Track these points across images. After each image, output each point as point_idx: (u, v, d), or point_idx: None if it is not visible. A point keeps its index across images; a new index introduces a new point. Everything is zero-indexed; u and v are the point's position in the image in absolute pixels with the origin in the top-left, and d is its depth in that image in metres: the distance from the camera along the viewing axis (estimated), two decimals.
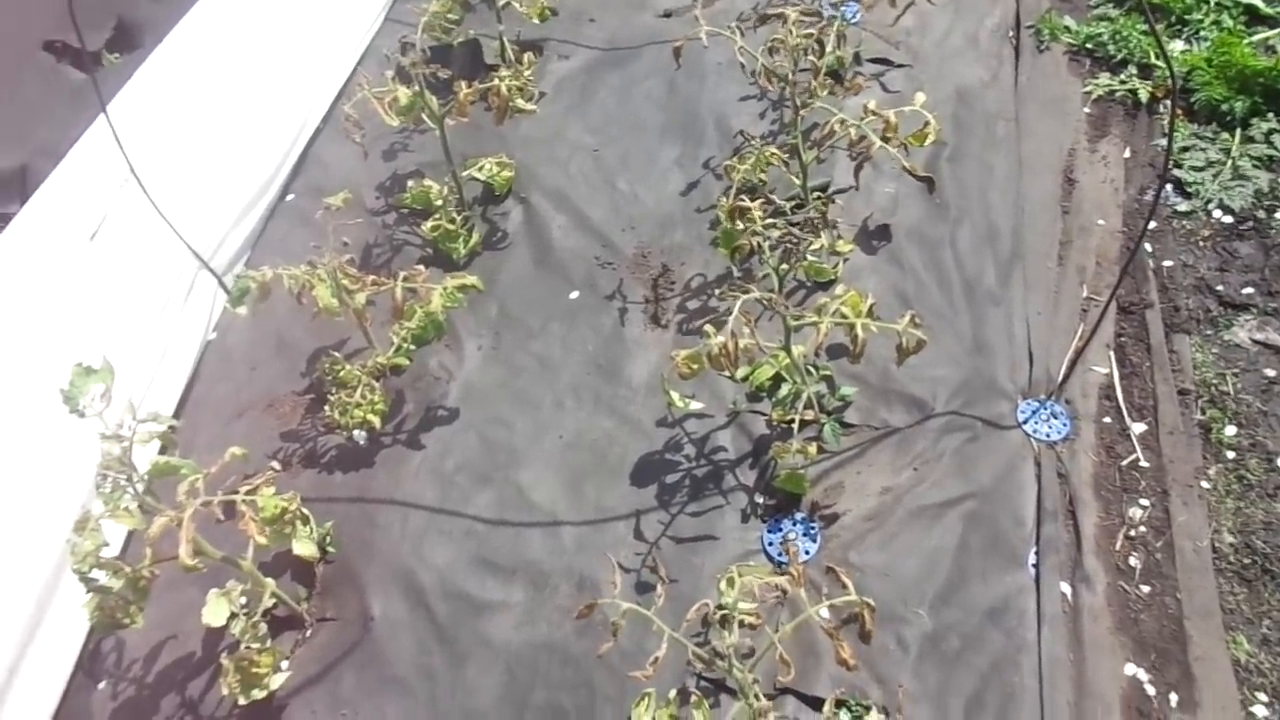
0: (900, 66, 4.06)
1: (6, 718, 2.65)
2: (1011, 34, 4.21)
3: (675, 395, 2.78)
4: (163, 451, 2.61)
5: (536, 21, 4.16)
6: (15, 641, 2.66)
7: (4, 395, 2.91)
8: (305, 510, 2.76)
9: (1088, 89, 3.97)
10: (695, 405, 2.89)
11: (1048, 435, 3.01)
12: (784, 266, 2.72)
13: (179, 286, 3.59)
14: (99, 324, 3.22)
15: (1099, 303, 3.32)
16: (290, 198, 4.16)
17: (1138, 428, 3.04)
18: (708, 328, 2.54)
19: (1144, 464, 2.96)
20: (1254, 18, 3.97)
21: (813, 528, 2.87)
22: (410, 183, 3.88)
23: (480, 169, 3.83)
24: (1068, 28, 4.15)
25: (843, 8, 4.16)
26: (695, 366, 2.59)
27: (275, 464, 2.73)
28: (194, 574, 2.40)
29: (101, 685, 2.88)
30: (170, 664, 2.90)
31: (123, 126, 3.36)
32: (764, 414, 3.09)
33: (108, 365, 2.43)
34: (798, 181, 3.39)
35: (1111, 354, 3.21)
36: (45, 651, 2.76)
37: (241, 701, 2.61)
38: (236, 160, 3.86)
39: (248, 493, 2.39)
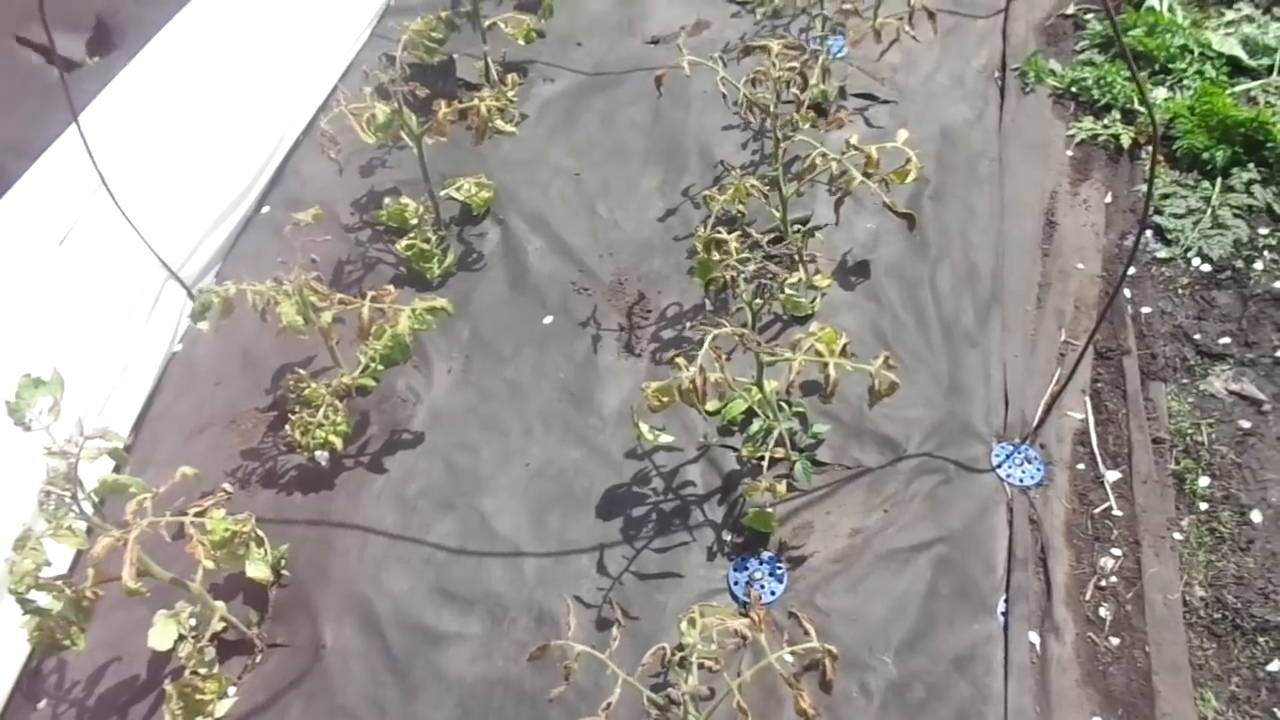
0: (885, 102, 4.04)
1: None
2: (997, 74, 4.20)
3: (645, 428, 2.72)
4: (117, 470, 2.53)
5: (522, 43, 4.12)
6: None
7: None
8: (260, 532, 2.69)
9: (1071, 132, 3.97)
10: (665, 438, 2.84)
11: (1021, 480, 2.97)
12: (758, 302, 2.68)
13: (146, 296, 3.52)
14: (61, 331, 3.14)
15: (1076, 347, 3.29)
16: (266, 209, 4.10)
17: (1111, 475, 3.00)
18: (679, 360, 2.49)
19: (1117, 513, 2.93)
20: (1236, 69, 3.97)
21: (779, 568, 2.81)
22: (387, 200, 3.83)
23: (458, 189, 3.78)
24: (1053, 71, 4.15)
25: (828, 41, 4.14)
26: (666, 399, 2.54)
27: (227, 486, 2.65)
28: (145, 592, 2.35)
29: (41, 705, 2.79)
30: (114, 686, 2.81)
31: (99, 130, 3.30)
32: (735, 449, 3.04)
33: (57, 377, 2.36)
34: (778, 214, 3.35)
35: (1087, 400, 3.18)
36: None
37: None
38: (212, 170, 3.80)
39: (197, 514, 2.32)
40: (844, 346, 2.56)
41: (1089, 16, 4.37)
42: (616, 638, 2.14)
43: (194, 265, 3.75)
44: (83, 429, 2.29)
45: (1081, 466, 3.05)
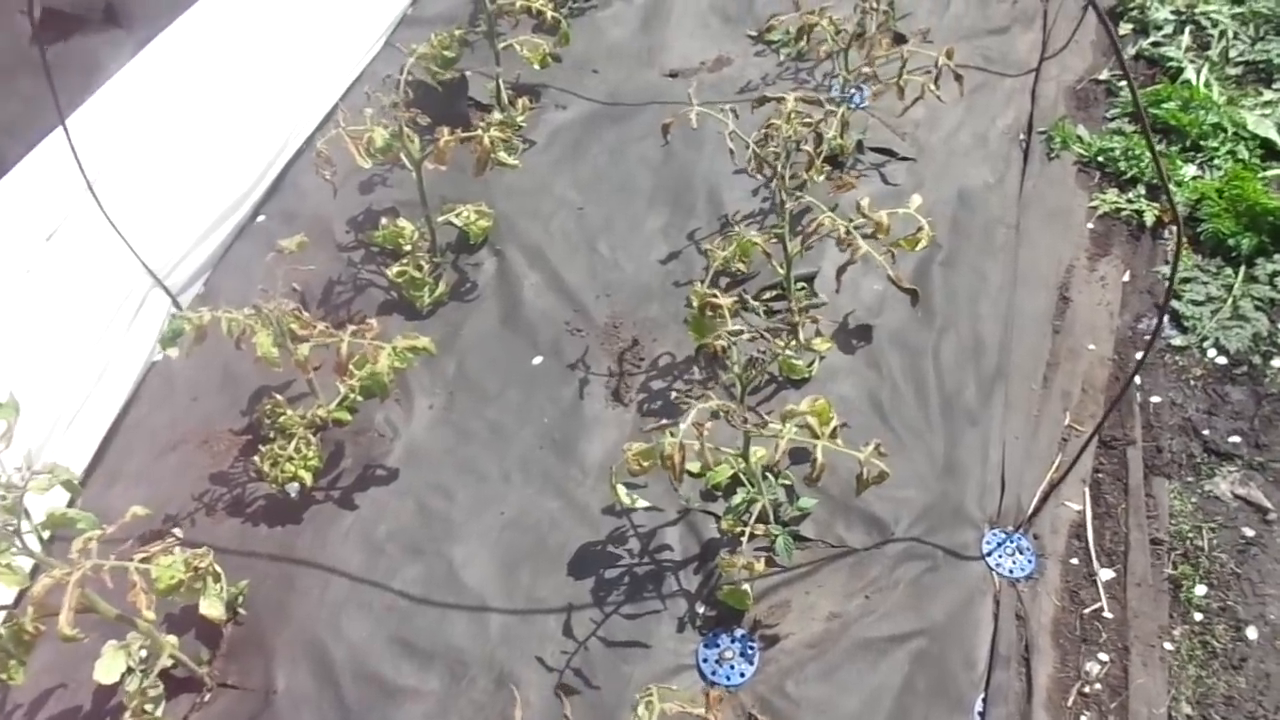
0: (904, 159, 3.92)
1: None
2: (1022, 137, 4.08)
3: (622, 491, 2.61)
4: (71, 502, 2.44)
5: (537, 67, 4.03)
6: None
7: None
8: (218, 567, 2.58)
9: (1094, 204, 3.84)
10: (642, 503, 2.73)
11: (1011, 571, 2.85)
12: (750, 373, 2.57)
13: (130, 301, 3.43)
14: (39, 331, 3.06)
15: (1080, 433, 3.17)
16: (261, 219, 4.01)
17: (1105, 574, 2.88)
18: (667, 434, 2.38)
19: (1107, 615, 2.81)
20: (1270, 152, 3.83)
21: (752, 647, 2.70)
22: (383, 220, 3.73)
23: (457, 215, 3.68)
24: (1080, 138, 4.02)
25: (849, 91, 4.03)
26: (646, 464, 2.44)
27: (177, 531, 2.55)
28: (96, 619, 2.27)
29: None
30: (57, 715, 2.71)
31: (94, 127, 3.22)
32: (716, 515, 2.92)
33: (13, 401, 2.28)
34: (781, 271, 3.24)
35: (1087, 490, 3.06)
36: None
37: None
38: (208, 175, 3.71)
39: (142, 560, 2.22)
40: (834, 429, 2.45)
41: (1122, 84, 4.24)
42: None
43: (183, 272, 3.66)
44: (32, 461, 2.19)
45: (1075, 561, 2.93)
